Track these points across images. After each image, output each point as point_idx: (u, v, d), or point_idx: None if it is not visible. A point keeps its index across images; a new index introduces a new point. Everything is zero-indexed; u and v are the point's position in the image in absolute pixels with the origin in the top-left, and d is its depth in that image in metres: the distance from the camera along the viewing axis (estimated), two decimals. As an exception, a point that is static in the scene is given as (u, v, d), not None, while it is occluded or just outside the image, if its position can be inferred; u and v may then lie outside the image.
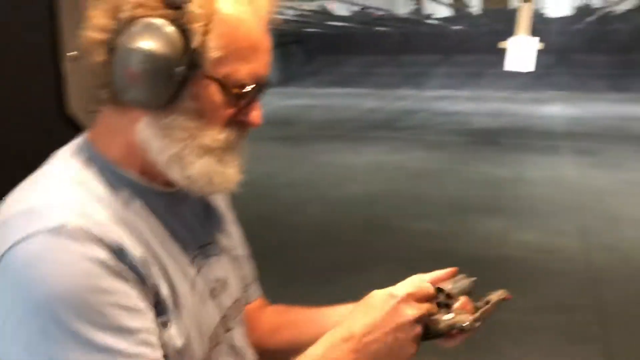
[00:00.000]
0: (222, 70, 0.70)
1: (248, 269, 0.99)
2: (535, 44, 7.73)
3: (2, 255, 0.63)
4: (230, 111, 0.74)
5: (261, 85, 0.75)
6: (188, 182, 0.74)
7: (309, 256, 4.63)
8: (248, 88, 0.73)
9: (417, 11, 18.18)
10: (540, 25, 16.40)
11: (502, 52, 8.13)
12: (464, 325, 0.79)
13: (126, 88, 0.69)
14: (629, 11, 16.60)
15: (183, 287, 0.76)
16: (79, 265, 0.62)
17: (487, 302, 0.85)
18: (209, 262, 0.84)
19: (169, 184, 0.77)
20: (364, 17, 17.23)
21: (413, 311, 0.75)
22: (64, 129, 1.06)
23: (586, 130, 10.80)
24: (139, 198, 0.75)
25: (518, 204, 5.99)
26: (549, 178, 7.06)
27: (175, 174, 0.73)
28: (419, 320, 0.75)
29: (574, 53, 20.25)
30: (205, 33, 0.68)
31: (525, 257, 4.52)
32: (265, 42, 0.76)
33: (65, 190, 0.69)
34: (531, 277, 4.13)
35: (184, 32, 0.67)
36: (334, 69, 23.51)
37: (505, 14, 17.64)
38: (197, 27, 0.67)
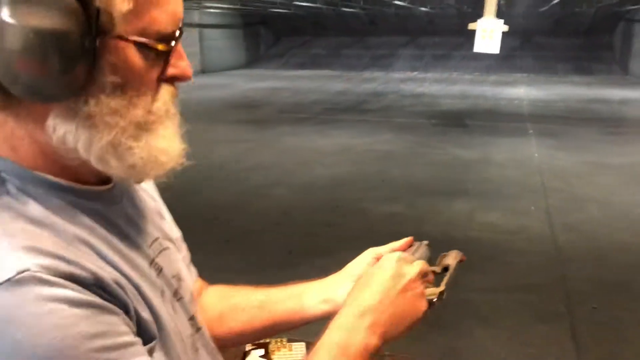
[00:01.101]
0: (137, 26, 0.55)
1: (185, 249, 0.87)
2: (501, 26, 7.78)
3: None
4: (156, 71, 0.60)
5: (181, 28, 0.61)
6: (131, 172, 0.61)
7: (275, 239, 4.56)
8: (172, 37, 0.59)
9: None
10: (507, 8, 16.53)
11: (469, 34, 8.15)
12: (434, 300, 0.78)
13: (14, 83, 0.52)
14: (592, -6, 16.82)
15: (157, 301, 0.66)
16: (60, 313, 0.49)
17: (446, 268, 0.85)
18: (163, 260, 0.73)
19: (101, 180, 0.65)
20: (330, -2, 17.08)
21: (414, 268, 0.75)
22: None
23: (551, 113, 10.96)
24: (76, 206, 0.61)
25: (485, 185, 6.03)
26: (515, 160, 7.13)
27: (112, 168, 0.59)
28: (420, 275, 0.75)
29: (538, 36, 20.51)
30: None
31: (492, 238, 4.55)
32: None
33: (1, 218, 0.54)
34: (497, 257, 4.15)
35: None
36: (301, 50, 23.34)
37: (472, -5, 17.72)
38: None
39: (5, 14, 0.49)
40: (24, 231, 0.54)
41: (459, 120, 10.02)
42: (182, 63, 0.62)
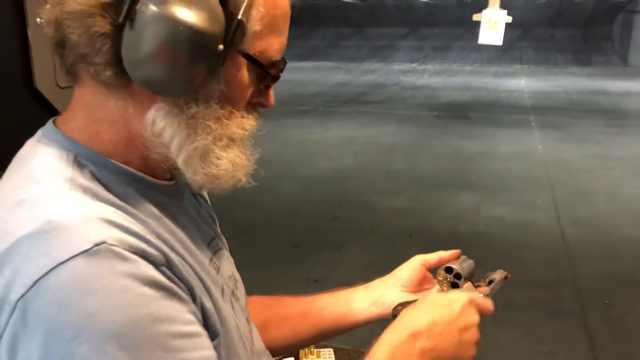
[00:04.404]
0: (257, 47, 0.59)
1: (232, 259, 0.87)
2: (504, 17, 7.71)
3: (24, 295, 0.47)
4: (252, 92, 0.62)
5: (285, 63, 0.64)
6: (207, 180, 0.61)
7: (280, 234, 4.52)
8: (281, 64, 0.63)
9: (384, -17, 18.00)
10: (506, 0, 16.44)
11: (469, 25, 8.08)
12: None
13: (140, 68, 0.54)
14: (593, -15, 16.73)
15: (218, 297, 0.65)
16: (132, 290, 0.49)
17: (490, 282, 0.89)
18: (220, 260, 0.73)
19: (168, 176, 0.66)
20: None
21: (477, 316, 0.76)
22: (31, 104, 0.91)
23: (552, 104, 10.91)
24: (145, 195, 0.61)
25: (489, 178, 5.98)
26: (519, 152, 7.08)
27: (194, 172, 0.60)
28: (479, 325, 0.76)
29: (539, 27, 20.42)
30: (251, 4, 0.56)
31: (499, 232, 4.51)
32: (289, 10, 0.64)
33: (74, 197, 0.54)
34: (506, 252, 4.11)
35: (227, 2, 0.55)
36: (300, 42, 23.20)
37: (473, -14, 17.62)
38: None
39: (161, 5, 0.52)
40: (99, 207, 0.54)
41: (461, 112, 9.97)
42: (271, 92, 0.65)
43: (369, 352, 0.70)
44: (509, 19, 7.70)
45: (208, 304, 0.61)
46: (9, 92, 0.94)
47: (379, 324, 0.87)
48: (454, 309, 0.73)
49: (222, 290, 0.69)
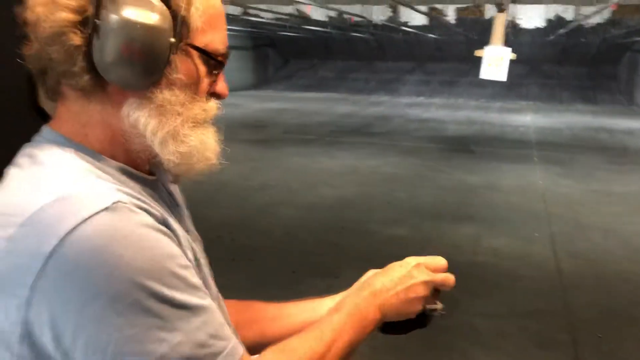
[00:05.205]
0: (204, 39, 0.71)
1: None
2: (508, 54, 7.86)
3: (57, 246, 0.57)
4: (208, 82, 0.74)
5: (229, 53, 0.76)
6: (182, 158, 0.72)
7: (280, 259, 4.58)
8: (224, 55, 0.74)
9: (393, 18, 18.33)
10: (514, 37, 16.69)
11: (476, 60, 8.23)
12: (443, 312, 0.91)
13: (111, 69, 0.66)
14: (599, 25, 17.00)
15: (205, 264, 0.79)
16: (147, 236, 0.61)
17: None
18: (195, 247, 0.83)
19: (149, 173, 0.77)
20: (340, 23, 17.28)
21: (422, 275, 0.87)
22: (36, 120, 1.01)
23: (556, 140, 11.00)
24: (137, 186, 0.72)
25: (490, 211, 6.05)
26: (520, 186, 7.15)
27: (170, 152, 0.71)
28: (426, 283, 0.87)
29: (545, 64, 20.65)
30: (189, 3, 0.68)
31: (496, 263, 4.55)
32: (223, 11, 0.76)
33: (86, 176, 0.66)
34: (501, 283, 4.16)
35: (169, 3, 0.67)
36: (309, 73, 23.53)
37: (480, 23, 17.92)
38: None
39: (118, 12, 0.64)
40: (105, 181, 0.66)
41: (464, 146, 10.07)
42: (223, 83, 0.77)
43: (336, 306, 0.82)
44: (513, 56, 7.85)
45: (189, 254, 0.72)
46: (15, 110, 1.04)
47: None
48: (402, 271, 0.87)
49: (200, 260, 0.80)
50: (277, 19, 16.34)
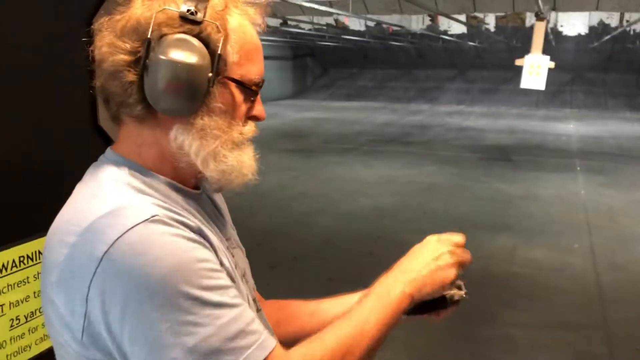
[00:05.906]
0: (239, 71, 0.81)
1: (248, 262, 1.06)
2: (547, 62, 7.78)
3: (107, 251, 0.69)
4: (246, 107, 0.85)
5: (263, 82, 0.87)
6: (222, 175, 0.82)
7: (318, 267, 4.67)
8: (259, 84, 0.85)
9: (432, 27, 18.29)
10: (557, 44, 16.42)
11: (517, 68, 8.18)
12: (457, 298, 0.94)
13: (159, 100, 0.77)
14: (646, 31, 16.54)
15: (238, 274, 0.88)
16: (179, 243, 0.71)
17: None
18: (235, 254, 0.93)
19: (194, 187, 0.88)
20: (378, 32, 17.34)
21: (446, 245, 0.93)
22: (95, 139, 1.15)
23: (599, 149, 10.77)
24: (181, 198, 0.83)
25: (528, 221, 6.00)
26: (561, 196, 7.05)
27: (211, 170, 0.82)
28: (451, 253, 0.93)
29: (589, 71, 20.21)
30: (225, 42, 0.79)
31: (533, 274, 4.53)
32: (260, 44, 0.87)
33: (131, 193, 0.77)
34: (538, 294, 4.13)
35: (208, 42, 0.78)
36: (348, 82, 23.63)
37: (520, 31, 17.71)
38: (218, 37, 0.78)
39: (165, 53, 0.76)
40: (149, 198, 0.78)
41: (504, 155, 9.97)
42: (260, 107, 0.88)
43: (365, 292, 0.89)
44: (552, 65, 7.77)
45: (225, 261, 0.81)
46: (79, 129, 1.17)
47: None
48: (428, 246, 0.93)
49: (235, 265, 0.89)
50: (316, 29, 16.51)
